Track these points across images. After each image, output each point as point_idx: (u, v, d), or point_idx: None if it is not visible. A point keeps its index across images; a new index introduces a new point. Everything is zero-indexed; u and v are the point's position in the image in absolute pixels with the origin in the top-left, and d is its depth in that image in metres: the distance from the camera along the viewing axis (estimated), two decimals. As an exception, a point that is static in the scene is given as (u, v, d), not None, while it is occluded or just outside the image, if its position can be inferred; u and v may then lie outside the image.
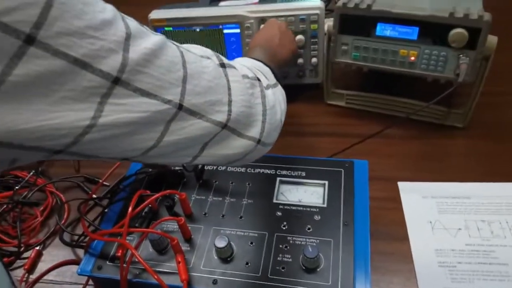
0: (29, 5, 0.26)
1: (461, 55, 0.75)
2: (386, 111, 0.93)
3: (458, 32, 0.73)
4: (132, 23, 0.34)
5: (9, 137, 0.28)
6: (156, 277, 0.53)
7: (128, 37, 0.32)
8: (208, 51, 0.45)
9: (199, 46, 0.45)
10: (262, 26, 0.87)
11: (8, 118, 0.27)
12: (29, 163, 0.86)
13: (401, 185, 0.77)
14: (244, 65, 0.50)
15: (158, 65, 0.34)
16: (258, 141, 0.47)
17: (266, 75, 0.53)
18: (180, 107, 0.37)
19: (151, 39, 0.35)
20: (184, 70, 0.37)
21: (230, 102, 0.42)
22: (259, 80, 0.48)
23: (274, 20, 0.85)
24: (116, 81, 0.31)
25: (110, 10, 0.32)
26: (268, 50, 0.71)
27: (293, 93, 0.99)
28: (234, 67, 0.45)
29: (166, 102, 0.35)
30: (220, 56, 0.45)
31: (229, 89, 0.43)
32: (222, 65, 0.44)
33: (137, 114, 0.34)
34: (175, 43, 0.39)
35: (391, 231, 0.70)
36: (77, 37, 0.28)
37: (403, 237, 0.69)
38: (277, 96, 0.51)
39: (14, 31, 0.25)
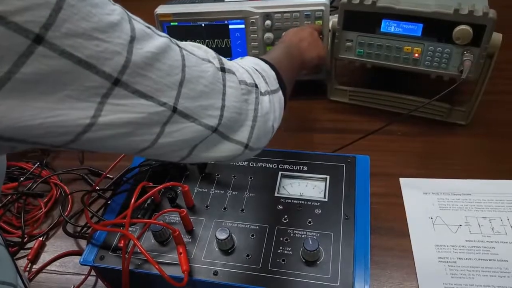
0: (39, 6, 0.26)
1: (465, 52, 0.75)
2: (389, 108, 0.93)
3: (462, 29, 0.73)
4: (138, 25, 0.34)
5: (13, 132, 0.29)
6: (157, 267, 0.53)
7: (132, 39, 0.33)
8: (210, 54, 0.44)
9: (203, 47, 0.45)
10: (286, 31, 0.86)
11: (13, 114, 0.28)
12: (34, 154, 0.88)
13: (403, 181, 0.77)
14: (247, 69, 0.49)
15: (158, 68, 0.35)
16: (246, 146, 0.47)
17: (268, 80, 0.52)
18: (174, 109, 0.37)
19: (155, 42, 0.35)
20: (182, 74, 0.38)
21: (222, 107, 0.42)
22: (256, 86, 0.48)
23: (310, 25, 0.87)
24: (116, 82, 0.32)
25: (118, 13, 0.32)
26: (295, 49, 0.73)
27: (297, 89, 0.99)
28: (234, 73, 0.45)
29: (162, 104, 0.36)
30: (222, 59, 0.45)
31: (223, 94, 0.43)
32: (222, 69, 0.43)
33: (134, 115, 0.34)
34: (178, 44, 0.39)
35: (392, 226, 0.70)
36: (83, 39, 0.29)
37: (404, 233, 0.69)
38: (272, 103, 0.51)
39: (24, 31, 0.26)
